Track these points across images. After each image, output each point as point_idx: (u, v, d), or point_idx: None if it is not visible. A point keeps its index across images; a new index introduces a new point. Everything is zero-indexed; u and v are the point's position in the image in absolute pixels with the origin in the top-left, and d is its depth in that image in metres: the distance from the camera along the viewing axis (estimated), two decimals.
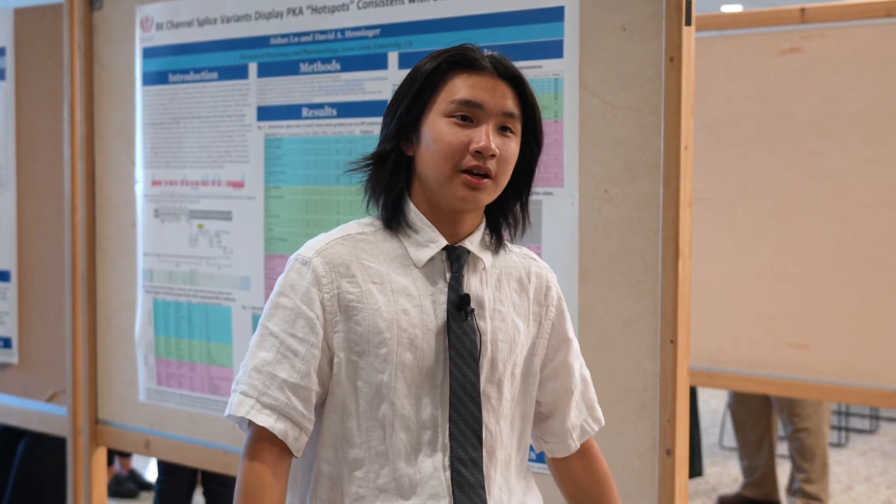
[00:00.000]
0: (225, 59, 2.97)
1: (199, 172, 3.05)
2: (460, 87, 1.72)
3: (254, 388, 1.71)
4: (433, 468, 1.73)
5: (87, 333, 3.30)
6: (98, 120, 3.28)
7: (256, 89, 2.90)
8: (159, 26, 3.11)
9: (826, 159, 3.96)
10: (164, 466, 4.10)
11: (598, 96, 2.37)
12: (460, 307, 1.74)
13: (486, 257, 1.82)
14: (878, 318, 3.88)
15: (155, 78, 3.13)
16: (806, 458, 5.07)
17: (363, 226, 1.80)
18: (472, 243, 1.79)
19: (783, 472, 5.57)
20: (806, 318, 3.98)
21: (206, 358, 3.04)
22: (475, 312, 1.77)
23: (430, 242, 1.76)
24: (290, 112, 2.84)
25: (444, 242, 1.76)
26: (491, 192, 1.74)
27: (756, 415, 5.26)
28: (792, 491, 5.20)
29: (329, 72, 2.76)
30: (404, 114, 1.75)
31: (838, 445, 6.71)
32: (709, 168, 4.14)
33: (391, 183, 1.77)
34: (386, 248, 1.77)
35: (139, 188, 3.18)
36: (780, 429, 5.38)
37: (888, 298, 3.86)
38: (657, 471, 2.33)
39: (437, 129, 1.72)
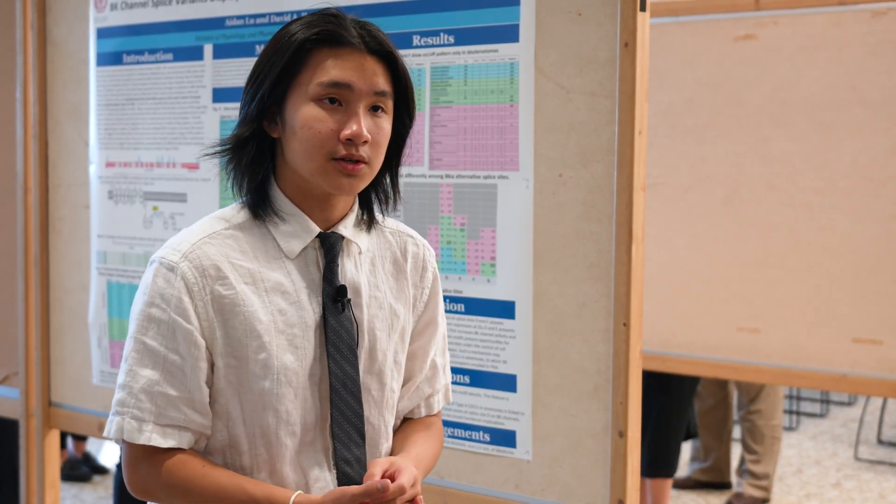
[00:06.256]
0: (180, 40, 2.95)
1: (153, 154, 3.03)
2: (327, 68, 1.60)
3: (148, 411, 1.61)
4: (319, 470, 1.69)
5: (40, 315, 3.28)
6: (51, 101, 3.25)
7: (212, 71, 2.89)
8: (113, 6, 3.08)
9: (778, 146, 4.00)
10: None
11: (553, 80, 2.38)
12: (336, 299, 1.67)
13: (362, 241, 1.74)
14: (828, 303, 3.92)
15: (109, 59, 3.10)
16: (756, 440, 5.16)
17: (228, 220, 1.68)
18: (346, 227, 1.70)
19: (736, 455, 5.64)
20: (757, 303, 4.02)
21: None
22: (351, 301, 1.69)
23: (301, 232, 1.66)
24: None
25: (316, 230, 1.67)
26: (367, 177, 1.65)
27: (715, 399, 5.32)
28: (740, 471, 5.28)
29: None
30: (266, 94, 1.62)
31: (789, 429, 6.79)
32: (663, 153, 4.16)
33: (254, 169, 1.64)
34: (255, 243, 1.66)
35: (93, 169, 3.16)
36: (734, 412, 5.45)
37: (838, 283, 3.91)
38: (609, 452, 2.36)
39: (304, 116, 1.60)
